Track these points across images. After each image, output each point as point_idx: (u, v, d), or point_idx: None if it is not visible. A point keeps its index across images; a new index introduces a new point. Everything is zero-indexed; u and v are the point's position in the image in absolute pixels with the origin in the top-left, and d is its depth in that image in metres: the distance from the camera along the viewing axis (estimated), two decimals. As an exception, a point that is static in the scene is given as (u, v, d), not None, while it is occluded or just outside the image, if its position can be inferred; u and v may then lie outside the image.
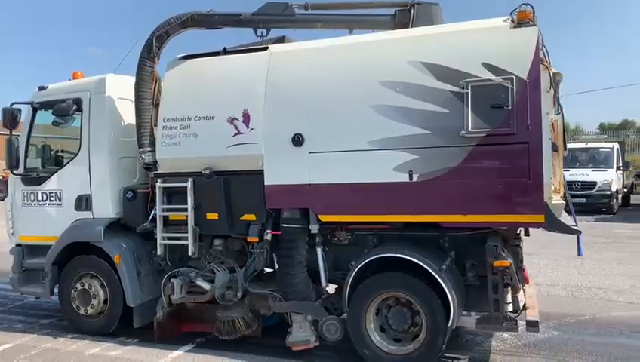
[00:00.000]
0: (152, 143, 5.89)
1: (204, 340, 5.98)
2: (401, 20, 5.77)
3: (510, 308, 4.99)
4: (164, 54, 6.14)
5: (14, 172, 6.58)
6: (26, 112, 6.62)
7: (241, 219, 5.54)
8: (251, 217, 5.49)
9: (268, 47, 5.65)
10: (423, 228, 5.10)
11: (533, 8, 4.73)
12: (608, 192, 18.35)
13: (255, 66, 5.54)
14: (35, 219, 6.55)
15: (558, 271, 9.15)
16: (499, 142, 4.56)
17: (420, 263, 4.74)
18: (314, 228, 5.31)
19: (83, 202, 6.26)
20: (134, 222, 6.06)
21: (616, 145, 20.36)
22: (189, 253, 5.66)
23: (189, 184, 5.59)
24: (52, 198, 6.44)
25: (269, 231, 5.42)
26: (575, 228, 4.58)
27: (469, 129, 4.58)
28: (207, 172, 5.53)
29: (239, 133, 5.43)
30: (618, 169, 19.42)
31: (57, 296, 6.48)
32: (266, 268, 6.01)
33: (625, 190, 21.26)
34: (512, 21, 4.76)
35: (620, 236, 12.77)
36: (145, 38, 5.95)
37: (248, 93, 5.46)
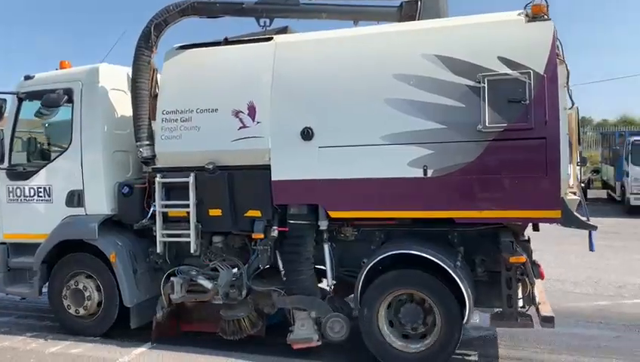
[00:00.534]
0: (150, 136, 5.64)
1: (168, 336, 5.78)
2: (407, 12, 5.66)
3: (520, 303, 4.98)
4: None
5: (-1, 166, 6.22)
6: (10, 103, 6.25)
7: (245, 215, 5.36)
8: (256, 213, 5.31)
9: (272, 38, 5.46)
10: (431, 223, 5.03)
11: (547, 2, 4.69)
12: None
13: (260, 57, 5.35)
14: (21, 216, 6.21)
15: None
16: (516, 137, 4.51)
17: (436, 260, 4.67)
18: (323, 225, 5.17)
19: (75, 198, 5.96)
20: (131, 219, 5.80)
21: None
22: (192, 251, 5.45)
23: (191, 179, 5.37)
24: (40, 194, 6.11)
25: (275, 227, 5.25)
26: (591, 223, 4.57)
27: (486, 124, 4.52)
28: (210, 167, 5.32)
29: (244, 126, 5.23)
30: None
31: (46, 296, 6.18)
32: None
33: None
34: (527, 15, 4.71)
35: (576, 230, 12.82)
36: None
37: (253, 85, 5.27)
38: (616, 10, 73.93)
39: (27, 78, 6.24)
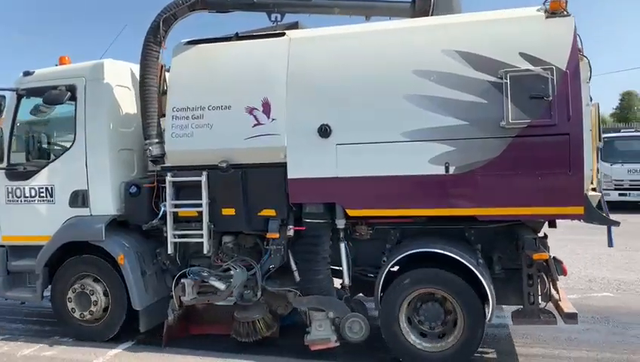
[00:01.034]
0: (160, 134, 5.48)
1: (143, 337, 5.72)
2: (420, 8, 5.60)
3: (539, 300, 4.96)
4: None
5: (-3, 166, 5.97)
6: (9, 100, 6.01)
7: (259, 214, 5.24)
8: (271, 212, 5.20)
9: (285, 33, 5.35)
10: (447, 221, 4.98)
11: None
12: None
13: (273, 53, 5.23)
14: (21, 218, 5.97)
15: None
16: (539, 134, 4.48)
17: (459, 258, 4.62)
18: (340, 224, 5.09)
19: (79, 198, 5.76)
20: (139, 219, 5.63)
21: None
22: (205, 251, 5.31)
23: (203, 178, 5.23)
24: (42, 194, 5.88)
25: (291, 226, 5.14)
26: (612, 219, 4.58)
27: (510, 120, 4.48)
28: (223, 165, 5.18)
29: (259, 123, 5.11)
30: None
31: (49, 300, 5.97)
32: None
33: None
34: (546, 11, 4.69)
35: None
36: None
37: (267, 82, 5.15)
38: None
39: (26, 73, 6.01)
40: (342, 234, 5.20)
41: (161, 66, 5.59)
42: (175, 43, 5.57)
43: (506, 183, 4.58)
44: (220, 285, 5.38)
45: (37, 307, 6.84)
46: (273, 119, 5.07)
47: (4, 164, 5.98)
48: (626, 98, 50.44)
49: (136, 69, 6.07)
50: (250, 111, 5.13)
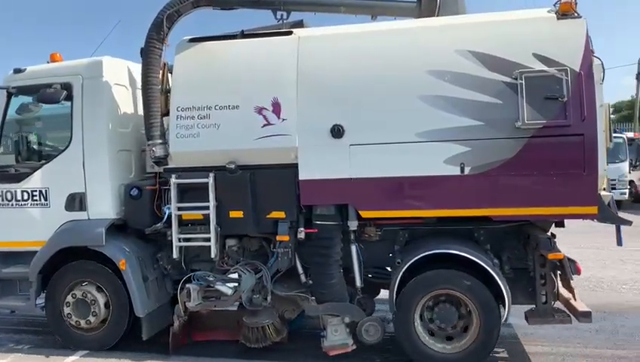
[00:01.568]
0: (163, 135, 5.29)
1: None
2: (427, 8, 5.58)
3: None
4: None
5: (-14, 167, 5.67)
6: (-1, 98, 5.72)
7: (267, 216, 5.12)
8: (280, 214, 5.08)
9: (292, 32, 5.25)
10: (455, 221, 4.98)
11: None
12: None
13: (282, 52, 5.13)
14: (12, 222, 5.67)
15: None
16: (554, 134, 4.51)
17: (476, 260, 4.62)
18: (353, 225, 5.02)
19: (76, 201, 5.51)
20: (140, 223, 5.44)
21: None
22: (212, 256, 5.16)
23: (210, 179, 5.07)
24: (35, 198, 5.61)
25: (302, 229, 5.04)
26: (625, 218, 4.65)
27: (525, 120, 4.50)
28: (232, 166, 5.04)
29: (269, 123, 4.99)
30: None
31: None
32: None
33: None
34: (556, 12, 4.73)
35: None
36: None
37: (277, 81, 5.04)
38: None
39: (17, 71, 5.72)
40: (353, 236, 5.14)
41: (164, 64, 5.39)
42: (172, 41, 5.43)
43: (520, 183, 4.60)
44: (227, 290, 5.23)
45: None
46: (283, 119, 4.97)
47: (-6, 166, 5.68)
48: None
49: (133, 67, 5.89)
50: (260, 110, 5.01)
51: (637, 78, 24.75)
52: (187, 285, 5.25)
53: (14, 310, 6.05)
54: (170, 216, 5.18)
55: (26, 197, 5.63)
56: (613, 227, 4.96)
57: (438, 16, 5.47)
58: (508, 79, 4.58)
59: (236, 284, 5.18)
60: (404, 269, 4.78)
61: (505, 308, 4.64)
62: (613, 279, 8.02)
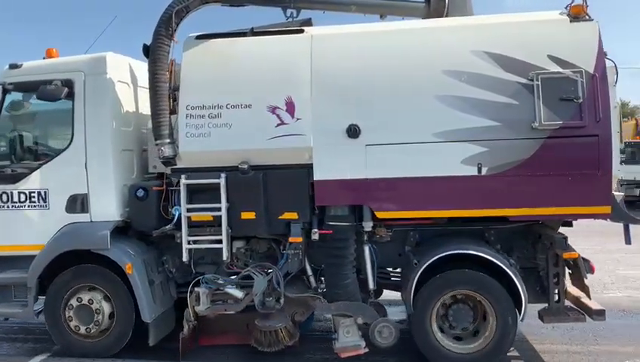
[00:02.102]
0: (172, 134, 5.13)
1: (59, 348, 5.47)
2: (435, 8, 5.59)
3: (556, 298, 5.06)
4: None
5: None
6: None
7: (280, 217, 5.03)
8: (293, 215, 5.00)
9: (304, 30, 5.18)
10: (466, 221, 5.00)
11: (586, 2, 4.80)
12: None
13: (295, 50, 5.05)
14: (8, 225, 5.41)
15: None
16: (570, 135, 4.57)
17: (494, 260, 4.65)
18: (367, 226, 4.99)
19: (78, 203, 5.30)
20: (146, 225, 5.27)
21: None
22: (224, 258, 5.04)
23: (222, 180, 4.95)
24: (34, 199, 5.36)
25: (316, 230, 4.97)
26: (637, 218, 4.75)
27: (542, 121, 4.54)
28: (244, 166, 4.93)
29: (282, 123, 4.91)
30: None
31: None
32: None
33: None
34: (568, 15, 4.80)
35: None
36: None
37: (290, 80, 4.96)
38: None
39: (13, 66, 5.45)
40: (366, 237, 5.10)
41: (172, 61, 5.24)
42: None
43: (537, 184, 4.64)
44: (238, 293, 5.14)
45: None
46: (298, 119, 4.89)
47: (-12, 166, 5.41)
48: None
49: (135, 63, 5.72)
50: (273, 110, 4.92)
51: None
52: (196, 289, 5.12)
53: (9, 317, 5.76)
54: (179, 218, 5.03)
55: (23, 198, 5.39)
56: (612, 227, 5.08)
57: (446, 16, 5.49)
58: (524, 80, 4.62)
59: (248, 287, 5.07)
60: (422, 270, 4.76)
61: (522, 307, 4.67)
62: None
